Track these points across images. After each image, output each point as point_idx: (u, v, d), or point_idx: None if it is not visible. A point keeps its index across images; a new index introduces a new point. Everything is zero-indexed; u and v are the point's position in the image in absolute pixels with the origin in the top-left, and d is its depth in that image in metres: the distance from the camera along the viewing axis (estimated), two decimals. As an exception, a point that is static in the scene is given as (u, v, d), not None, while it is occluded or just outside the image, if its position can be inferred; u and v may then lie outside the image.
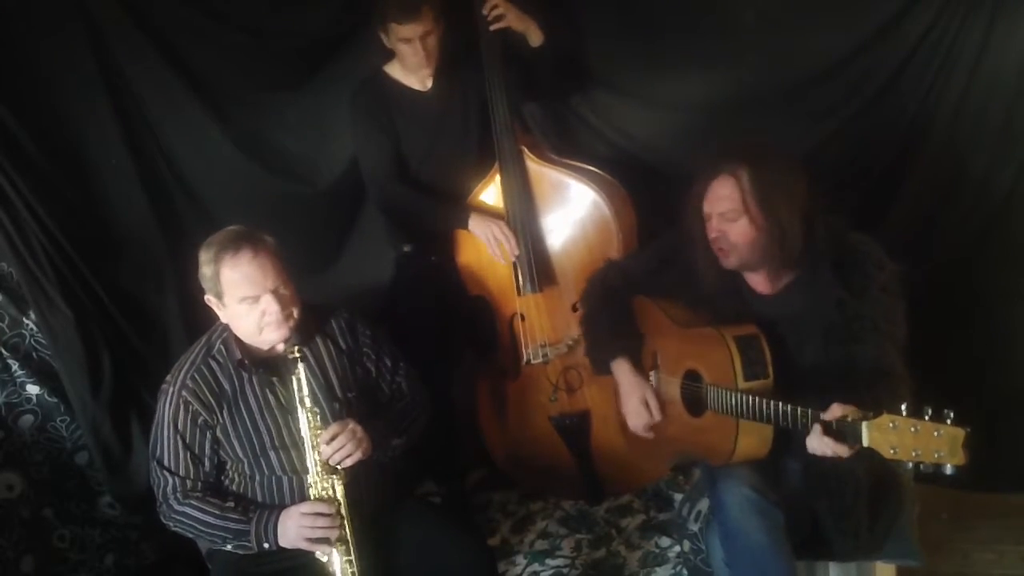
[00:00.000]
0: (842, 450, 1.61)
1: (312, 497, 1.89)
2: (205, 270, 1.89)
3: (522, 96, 2.73)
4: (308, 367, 2.01)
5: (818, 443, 1.64)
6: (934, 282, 2.61)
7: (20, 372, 2.52)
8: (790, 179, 1.86)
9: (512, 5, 2.54)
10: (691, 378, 2.02)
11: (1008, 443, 2.64)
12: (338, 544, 1.86)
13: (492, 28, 2.55)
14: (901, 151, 2.67)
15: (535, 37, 2.57)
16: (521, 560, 2.63)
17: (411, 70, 2.62)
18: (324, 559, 1.88)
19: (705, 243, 1.93)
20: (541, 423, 2.78)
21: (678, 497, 2.71)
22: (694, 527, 2.03)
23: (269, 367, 1.95)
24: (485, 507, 2.92)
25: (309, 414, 1.87)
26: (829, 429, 1.62)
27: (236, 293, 1.87)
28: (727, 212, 1.86)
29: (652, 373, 2.17)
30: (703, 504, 2.02)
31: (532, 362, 2.69)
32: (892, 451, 1.51)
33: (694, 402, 2.01)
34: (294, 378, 1.86)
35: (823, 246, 1.86)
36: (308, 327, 2.02)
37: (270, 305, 1.87)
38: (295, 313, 1.93)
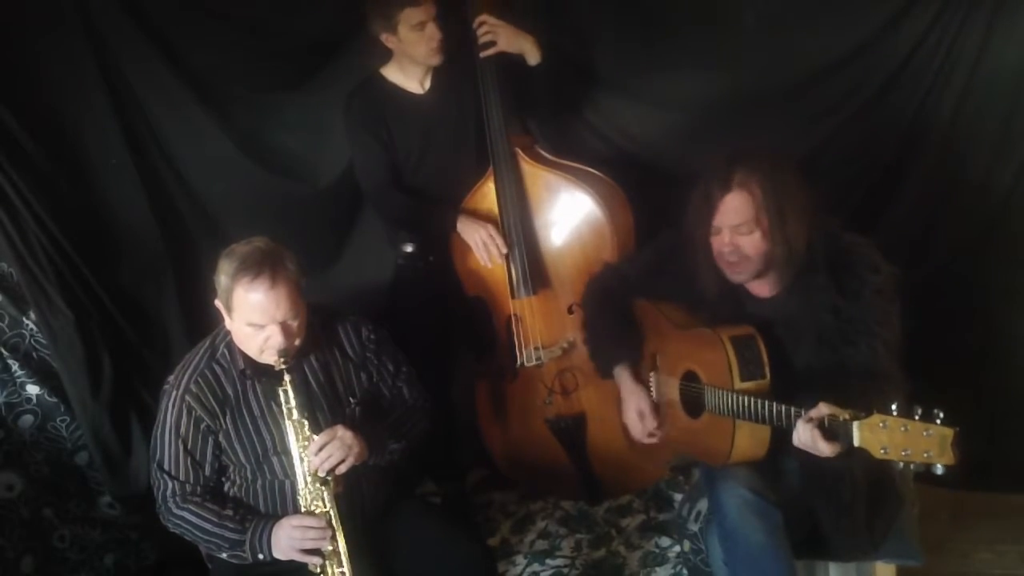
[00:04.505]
0: (827, 448, 1.61)
1: (303, 507, 1.89)
2: (222, 279, 1.87)
3: (519, 111, 2.71)
4: (313, 374, 2.01)
5: (805, 435, 1.65)
6: (934, 282, 2.62)
7: (20, 372, 2.52)
8: (798, 189, 1.86)
9: (506, 24, 2.50)
10: (689, 379, 2.02)
11: (1008, 443, 2.64)
12: (331, 555, 1.86)
13: (483, 55, 2.51)
14: (901, 151, 2.67)
15: (533, 56, 2.52)
16: (521, 560, 2.62)
17: (422, 60, 2.57)
18: (317, 570, 1.88)
19: (709, 255, 1.92)
20: (538, 425, 2.77)
21: (678, 497, 2.71)
22: (694, 527, 2.03)
23: (271, 375, 1.93)
24: (485, 507, 2.92)
25: (297, 425, 1.87)
26: (823, 430, 1.62)
27: (245, 316, 1.86)
28: (740, 226, 1.85)
29: (652, 375, 2.18)
30: (703, 504, 2.02)
31: (527, 364, 2.68)
32: (882, 451, 1.51)
33: (692, 403, 2.01)
34: (281, 391, 1.86)
35: (819, 249, 1.86)
36: (315, 334, 2.01)
37: (275, 335, 1.86)
38: (297, 342, 1.92)
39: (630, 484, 2.80)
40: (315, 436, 1.86)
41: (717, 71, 2.70)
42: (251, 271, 1.83)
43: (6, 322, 2.52)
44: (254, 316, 1.85)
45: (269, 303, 1.84)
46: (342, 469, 1.86)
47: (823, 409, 1.63)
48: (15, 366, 2.51)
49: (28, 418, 2.54)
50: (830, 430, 1.61)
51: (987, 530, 2.61)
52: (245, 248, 1.88)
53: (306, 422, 1.87)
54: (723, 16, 2.66)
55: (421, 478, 2.96)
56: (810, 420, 1.64)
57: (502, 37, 2.50)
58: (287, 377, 1.86)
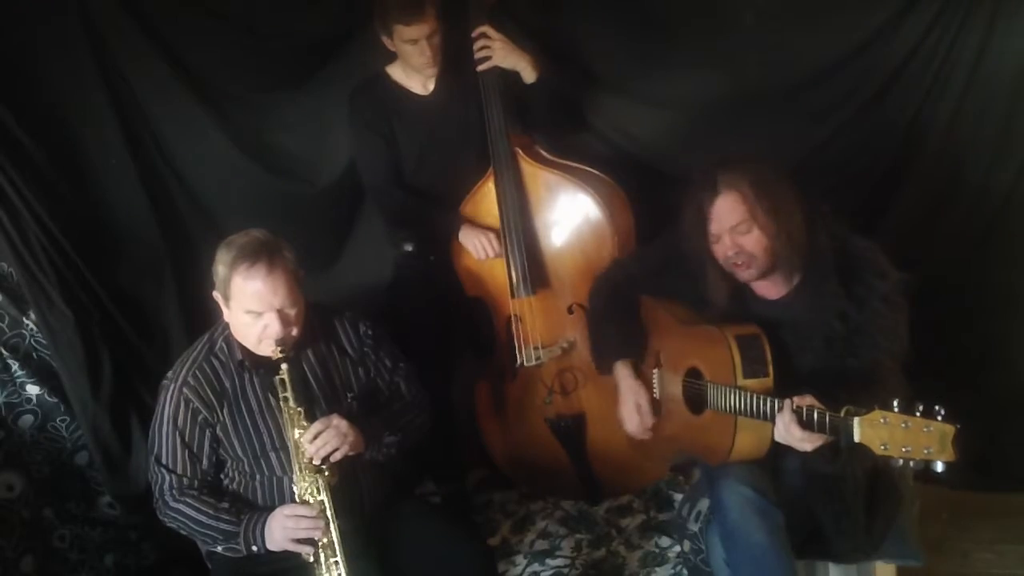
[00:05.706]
0: (801, 435, 1.64)
1: (297, 497, 1.89)
2: (219, 269, 1.89)
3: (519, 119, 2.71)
4: (311, 369, 2.02)
5: (783, 428, 1.66)
6: (934, 283, 2.61)
7: (20, 372, 2.52)
8: (783, 183, 1.88)
9: (504, 39, 2.51)
10: (693, 376, 2.02)
11: (1008, 443, 2.64)
12: (325, 546, 1.86)
13: (479, 69, 2.53)
14: (901, 152, 2.67)
15: (528, 75, 2.53)
16: (521, 560, 2.62)
17: (416, 70, 2.60)
18: (310, 559, 1.87)
19: (714, 260, 1.93)
20: (538, 424, 2.77)
21: (678, 497, 2.71)
22: (694, 527, 2.04)
23: (269, 368, 1.94)
24: (485, 507, 2.92)
25: (293, 413, 1.87)
26: (800, 418, 1.66)
27: (243, 304, 1.87)
28: (738, 226, 1.86)
29: (656, 371, 2.18)
30: (703, 504, 2.03)
31: (527, 364, 2.68)
32: (883, 447, 1.51)
33: (695, 400, 2.01)
34: (277, 379, 1.87)
35: (828, 252, 1.86)
36: (313, 329, 2.02)
37: (272, 323, 1.87)
38: (295, 332, 1.92)
39: (630, 484, 2.80)
40: (300, 420, 1.87)
41: (717, 71, 2.70)
42: (248, 259, 1.85)
43: (6, 322, 2.52)
44: (252, 303, 1.86)
45: (267, 290, 1.84)
46: (337, 457, 1.87)
47: (807, 399, 1.65)
48: (15, 366, 2.51)
49: (28, 418, 2.54)
50: (832, 427, 1.61)
51: (987, 530, 2.61)
52: (242, 238, 1.90)
53: (302, 411, 1.88)
54: (723, 16, 2.66)
55: (421, 478, 2.96)
56: (786, 409, 1.66)
57: (498, 52, 2.51)
58: (284, 366, 1.86)
